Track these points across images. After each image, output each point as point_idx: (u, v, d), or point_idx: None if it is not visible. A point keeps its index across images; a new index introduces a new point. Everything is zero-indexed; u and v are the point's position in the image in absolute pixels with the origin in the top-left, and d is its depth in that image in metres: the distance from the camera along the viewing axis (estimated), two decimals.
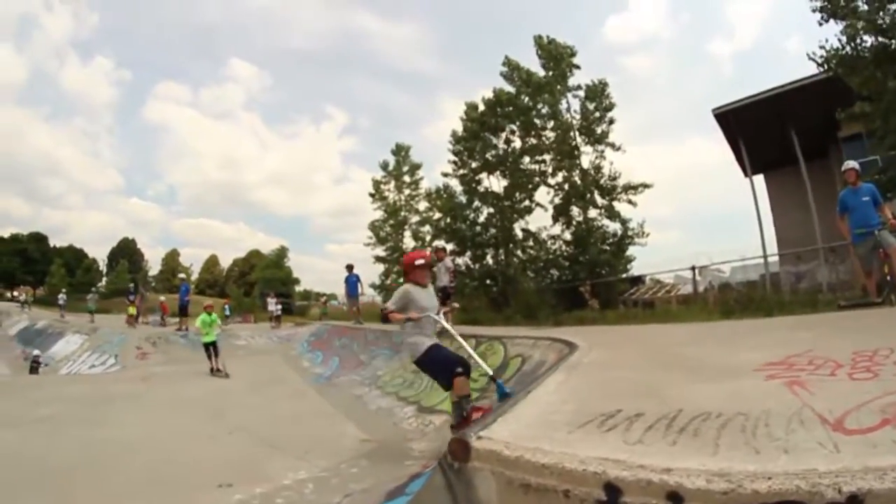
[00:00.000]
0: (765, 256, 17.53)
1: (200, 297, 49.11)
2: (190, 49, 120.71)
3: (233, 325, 26.27)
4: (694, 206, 75.17)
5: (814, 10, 11.96)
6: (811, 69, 14.22)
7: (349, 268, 19.04)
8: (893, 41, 10.90)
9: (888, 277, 8.08)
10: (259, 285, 45.98)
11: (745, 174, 20.34)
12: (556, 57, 20.90)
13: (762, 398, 3.03)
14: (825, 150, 18.90)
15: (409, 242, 31.64)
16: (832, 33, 11.90)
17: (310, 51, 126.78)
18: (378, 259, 31.83)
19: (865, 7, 11.27)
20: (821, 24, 11.96)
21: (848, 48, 11.45)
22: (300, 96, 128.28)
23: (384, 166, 33.44)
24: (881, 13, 11.00)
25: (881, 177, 10.59)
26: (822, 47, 11.80)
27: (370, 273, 31.59)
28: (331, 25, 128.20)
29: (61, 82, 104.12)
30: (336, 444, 6.95)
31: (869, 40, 11.17)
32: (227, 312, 31.31)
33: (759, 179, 21.41)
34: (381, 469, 5.83)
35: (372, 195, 33.17)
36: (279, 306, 27.19)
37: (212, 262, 79.84)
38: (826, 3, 11.75)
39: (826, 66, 11.99)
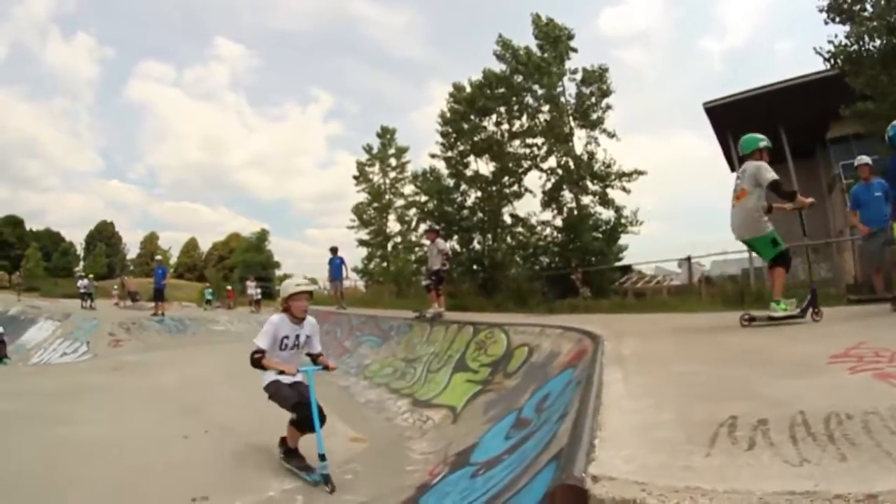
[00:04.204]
0: (750, 252, 17.45)
1: (179, 280, 47.94)
2: (175, 26, 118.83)
3: (215, 311, 25.72)
4: (678, 199, 76.61)
5: (820, 10, 12.26)
6: (801, 71, 15.64)
7: (333, 250, 18.67)
8: None
9: None
10: (238, 269, 45.01)
11: (733, 169, 20.48)
12: (554, 38, 20.69)
13: (871, 393, 2.69)
14: (812, 150, 19.78)
15: (393, 226, 31.52)
16: (831, 33, 12.74)
17: (299, 32, 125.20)
18: (361, 242, 31.71)
19: (871, 8, 11.53)
20: (826, 24, 12.27)
21: (855, 47, 11.67)
22: (287, 78, 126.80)
23: (368, 149, 33.24)
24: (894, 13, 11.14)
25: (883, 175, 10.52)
26: (830, 42, 12.01)
27: (353, 257, 31.70)
28: (322, 7, 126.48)
29: (43, 60, 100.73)
30: (325, 445, 6.41)
31: (877, 41, 11.39)
32: (209, 297, 30.41)
33: None
34: (378, 475, 5.43)
35: (356, 178, 33.19)
36: (259, 290, 26.46)
37: (191, 245, 78.68)
38: (833, 3, 12.03)
39: (833, 62, 12.16)
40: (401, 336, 11.55)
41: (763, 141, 6.56)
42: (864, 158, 8.69)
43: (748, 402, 2.70)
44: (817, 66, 13.16)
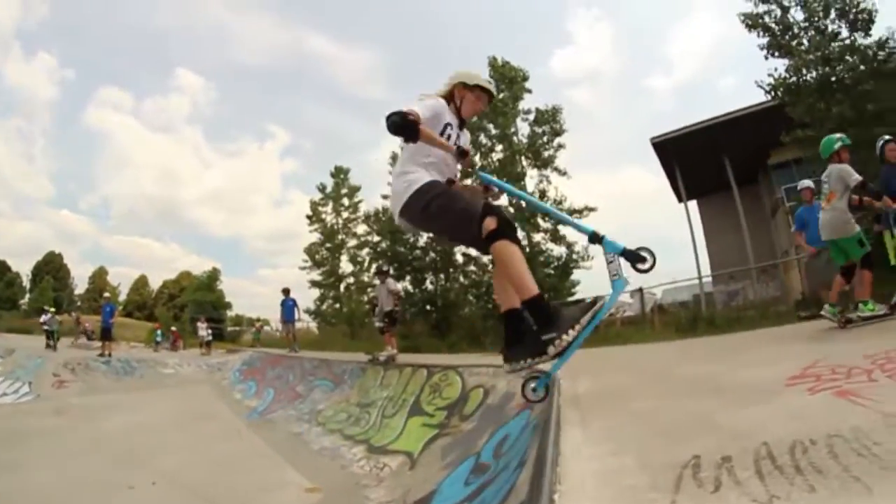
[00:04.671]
0: (699, 277, 18.79)
1: (128, 319, 46.13)
2: (138, 54, 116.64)
3: (163, 352, 24.68)
4: (628, 231, 78.68)
5: (761, 48, 13.47)
6: (743, 103, 17.55)
7: (286, 291, 18.34)
8: (837, 72, 12.25)
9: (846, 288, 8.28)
10: (189, 309, 43.59)
11: (680, 200, 21.45)
12: (510, 79, 21.36)
13: (832, 414, 2.66)
14: (755, 177, 20.63)
15: (346, 266, 31.20)
16: (771, 67, 13.37)
17: (260, 67, 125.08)
18: (314, 283, 31.09)
19: (807, 43, 12.72)
20: (767, 59, 13.47)
21: (794, 78, 12.77)
22: (245, 113, 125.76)
23: (322, 188, 32.89)
24: (831, 44, 12.40)
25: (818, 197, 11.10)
26: (770, 75, 13.15)
27: (305, 298, 31.21)
28: (283, 44, 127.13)
29: (2, 76, 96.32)
30: (278, 497, 6.11)
31: (814, 72, 12.48)
32: (159, 338, 29.31)
33: (693, 205, 22.85)
34: None
35: (309, 217, 32.79)
36: (210, 331, 25.64)
37: (141, 282, 75.95)
38: (772, 40, 13.29)
39: (773, 94, 13.20)
40: (354, 380, 11.16)
41: (839, 142, 6.58)
42: (807, 182, 9.30)
43: (710, 436, 2.62)
44: (758, 98, 14.24)
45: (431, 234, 3.99)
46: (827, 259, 8.32)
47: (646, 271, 3.30)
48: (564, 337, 3.09)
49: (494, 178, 3.91)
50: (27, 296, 62.61)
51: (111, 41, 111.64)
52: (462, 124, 3.91)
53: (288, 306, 18.18)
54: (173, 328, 30.87)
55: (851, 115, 11.64)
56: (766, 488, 1.88)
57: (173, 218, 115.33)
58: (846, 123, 11.28)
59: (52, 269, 68.60)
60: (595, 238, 3.39)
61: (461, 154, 3.53)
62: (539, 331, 3.17)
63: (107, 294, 29.91)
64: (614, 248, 3.31)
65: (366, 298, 27.24)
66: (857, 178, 6.16)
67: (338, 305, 30.64)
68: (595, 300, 3.31)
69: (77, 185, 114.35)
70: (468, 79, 3.83)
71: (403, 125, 3.31)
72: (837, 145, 6.58)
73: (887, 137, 6.97)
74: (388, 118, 3.33)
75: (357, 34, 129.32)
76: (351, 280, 31.33)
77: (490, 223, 3.18)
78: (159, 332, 31.05)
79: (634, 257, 3.28)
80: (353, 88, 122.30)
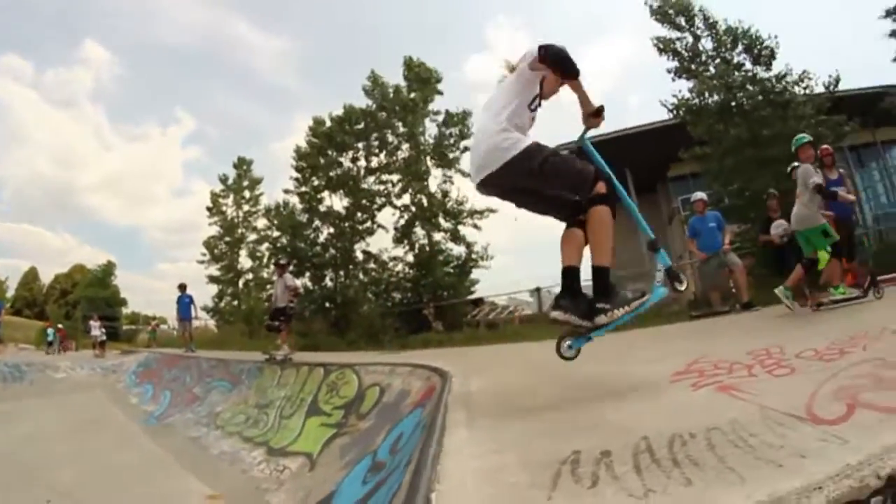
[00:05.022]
0: None
1: (16, 318, 42.34)
2: (44, 20, 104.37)
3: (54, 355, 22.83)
4: (530, 234, 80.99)
5: (669, 70, 14.65)
6: (648, 119, 18.87)
7: (182, 287, 17.62)
8: (737, 98, 13.41)
9: (733, 290, 9.53)
10: (81, 305, 40.49)
11: None
12: (423, 79, 21.55)
13: (713, 408, 2.79)
14: (654, 188, 21.76)
15: (245, 262, 30.17)
16: (675, 88, 14.55)
17: (173, 46, 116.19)
18: (212, 279, 29.81)
19: (714, 70, 13.88)
20: (673, 80, 14.64)
21: (696, 100, 13.88)
22: (152, 94, 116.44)
23: (224, 179, 31.63)
24: (735, 73, 13.58)
25: (715, 207, 11.87)
26: (675, 96, 14.30)
27: (204, 294, 29.74)
28: (201, 23, 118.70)
29: None
30: None
31: (716, 96, 13.63)
32: (50, 338, 26.85)
33: None
34: None
35: (209, 209, 31.41)
36: (103, 330, 23.93)
37: (31, 276, 69.32)
38: (681, 65, 14.43)
39: (676, 112, 14.27)
40: (252, 380, 10.91)
41: (800, 141, 7.33)
42: (700, 194, 10.15)
43: (592, 432, 2.62)
44: (662, 115, 15.27)
45: (518, 197, 3.67)
46: (716, 265, 9.23)
47: (680, 292, 3.73)
48: (616, 312, 3.28)
49: (594, 151, 3.99)
50: None
51: (15, 3, 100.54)
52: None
53: (184, 303, 17.48)
54: (60, 325, 28.47)
55: (747, 137, 12.80)
56: (642, 482, 1.88)
57: (67, 204, 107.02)
58: (742, 144, 12.31)
59: None
60: (653, 246, 3.78)
61: (599, 112, 3.75)
62: (595, 298, 3.33)
63: None
64: (664, 261, 3.69)
65: (265, 295, 26.59)
66: (814, 180, 6.78)
67: (236, 302, 29.67)
68: (643, 293, 3.46)
69: None
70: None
71: (570, 57, 3.37)
72: (794, 146, 7.32)
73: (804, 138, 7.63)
74: (552, 46, 3.32)
75: (277, 20, 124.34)
76: (250, 276, 30.40)
77: (601, 187, 3.37)
78: (50, 331, 28.53)
79: (675, 277, 3.64)
80: (264, 76, 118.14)
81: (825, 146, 8.95)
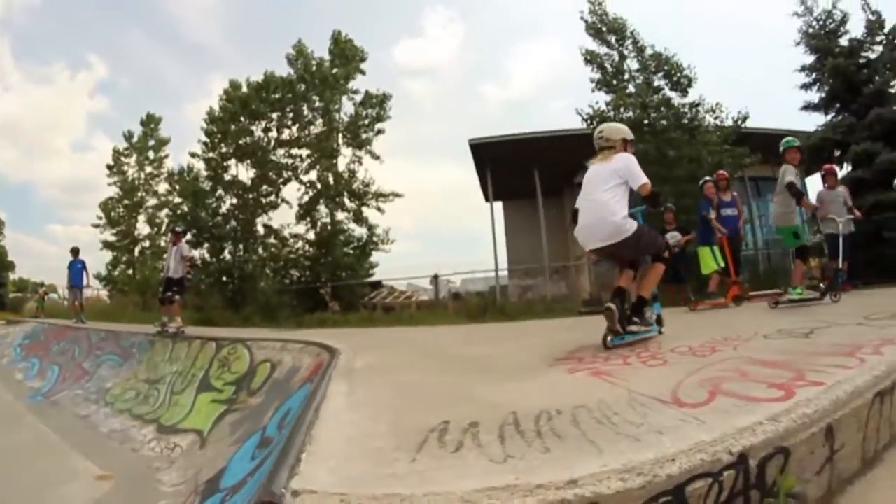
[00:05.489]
0: (496, 270, 20.02)
1: None
2: None
3: None
4: (435, 222, 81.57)
5: (592, 80, 15.28)
6: (561, 126, 19.22)
7: (74, 252, 16.43)
8: (651, 117, 14.23)
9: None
10: None
11: (487, 199, 22.42)
12: (348, 56, 21.15)
13: (584, 390, 2.96)
14: (560, 191, 22.17)
15: (143, 228, 28.41)
16: (593, 99, 15.16)
17: None
18: (106, 245, 27.88)
19: (633, 89, 14.68)
20: (593, 91, 15.30)
21: (612, 114, 14.31)
22: (66, 32, 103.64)
23: (128, 136, 29.46)
24: (653, 95, 14.45)
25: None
26: (591, 106, 14.78)
27: (97, 261, 27.53)
28: None
29: None
30: (67, 489, 5.60)
31: (630, 112, 14.21)
32: None
33: (499, 206, 24.03)
34: None
35: (110, 167, 29.05)
36: None
37: None
38: (603, 79, 15.12)
39: (589, 122, 14.54)
40: (143, 354, 10.47)
41: (788, 143, 7.78)
42: None
43: (465, 406, 2.72)
44: (576, 123, 15.29)
45: (612, 257, 5.18)
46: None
47: (662, 333, 5.01)
48: (641, 328, 4.74)
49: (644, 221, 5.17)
50: None
51: None
52: None
53: (76, 269, 16.14)
54: None
55: (655, 154, 13.51)
56: (503, 449, 1.98)
57: None
58: (648, 160, 13.13)
59: None
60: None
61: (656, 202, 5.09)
62: (632, 314, 4.72)
63: None
64: (658, 309, 5.18)
65: (161, 266, 25.31)
66: (787, 179, 7.31)
67: (131, 271, 27.94)
68: (656, 327, 5.03)
69: None
70: (629, 135, 5.22)
71: (659, 199, 5.16)
72: (783, 147, 7.76)
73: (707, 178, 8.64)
74: (658, 197, 4.96)
75: None
76: (147, 244, 28.63)
77: (664, 253, 4.98)
78: None
79: (661, 322, 5.12)
80: (188, 30, 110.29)
81: (721, 171, 9.88)
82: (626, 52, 15.11)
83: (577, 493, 1.61)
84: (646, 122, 14.04)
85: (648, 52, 14.95)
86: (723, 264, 8.88)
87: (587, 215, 4.84)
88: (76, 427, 8.24)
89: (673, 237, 9.67)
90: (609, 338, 4.41)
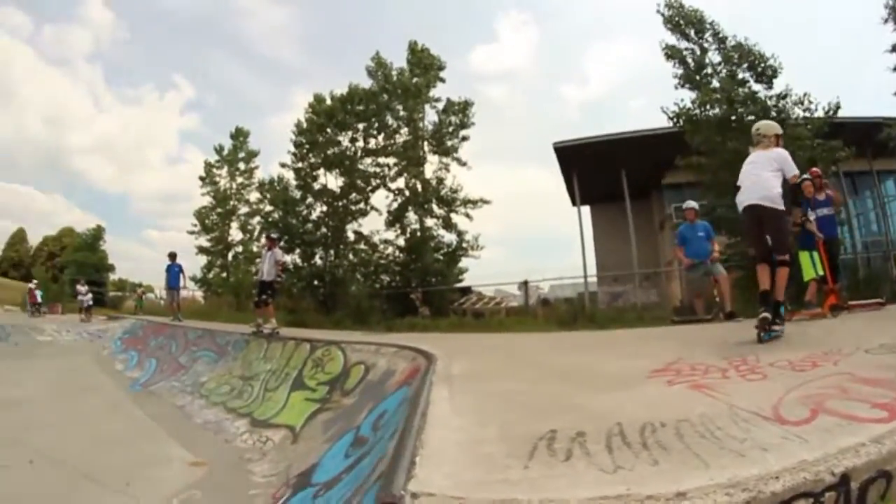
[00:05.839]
0: (585, 277, 19.66)
1: (2, 279, 41.91)
2: None
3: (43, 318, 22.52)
4: (521, 227, 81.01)
5: (675, 77, 14.45)
6: (647, 125, 18.31)
7: (172, 256, 17.55)
8: (738, 112, 13.30)
9: (717, 299, 9.44)
10: (70, 269, 40.12)
11: (574, 203, 21.99)
12: (426, 65, 21.38)
13: (684, 403, 2.93)
14: (648, 193, 21.69)
15: (235, 234, 29.88)
16: (678, 97, 14.20)
17: (175, 10, 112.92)
18: (201, 250, 29.54)
19: (718, 84, 13.83)
20: (676, 88, 14.42)
21: (697, 111, 13.76)
22: (152, 58, 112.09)
23: (219, 150, 31.14)
24: (739, 89, 13.49)
25: (707, 218, 12.02)
26: (676, 104, 14.01)
27: (192, 265, 29.20)
28: None
29: None
30: (163, 471, 5.86)
31: (717, 109, 13.56)
32: (40, 299, 26.20)
33: (586, 210, 23.50)
34: (220, 502, 5.07)
35: (202, 179, 30.80)
36: (90, 296, 23.73)
37: (18, 237, 67.72)
38: (686, 73, 14.32)
39: (676, 121, 14.04)
40: (237, 352, 10.93)
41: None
42: (691, 203, 10.21)
43: (569, 415, 2.76)
44: (661, 122, 14.72)
45: (759, 225, 5.76)
46: (702, 273, 9.53)
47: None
48: (779, 328, 5.35)
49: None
50: None
51: None
52: None
53: (174, 272, 17.38)
54: (31, 285, 27.47)
55: (745, 153, 12.51)
56: (612, 460, 2.03)
57: (58, 166, 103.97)
58: (739, 158, 12.32)
59: None
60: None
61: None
62: (773, 317, 5.26)
63: None
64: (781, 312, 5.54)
65: (254, 269, 26.50)
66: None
67: (225, 274, 29.36)
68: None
69: None
70: (779, 130, 6.22)
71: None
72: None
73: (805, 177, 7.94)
74: (799, 187, 5.95)
75: None
76: (240, 249, 30.00)
77: (787, 255, 5.63)
78: (39, 293, 28.08)
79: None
80: (265, 49, 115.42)
81: (815, 168, 9.18)
82: (706, 45, 14.36)
83: None
84: (733, 118, 13.34)
85: (730, 42, 14.12)
86: (821, 272, 8.27)
87: (749, 183, 5.80)
88: (172, 416, 8.61)
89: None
90: (762, 334, 5.17)
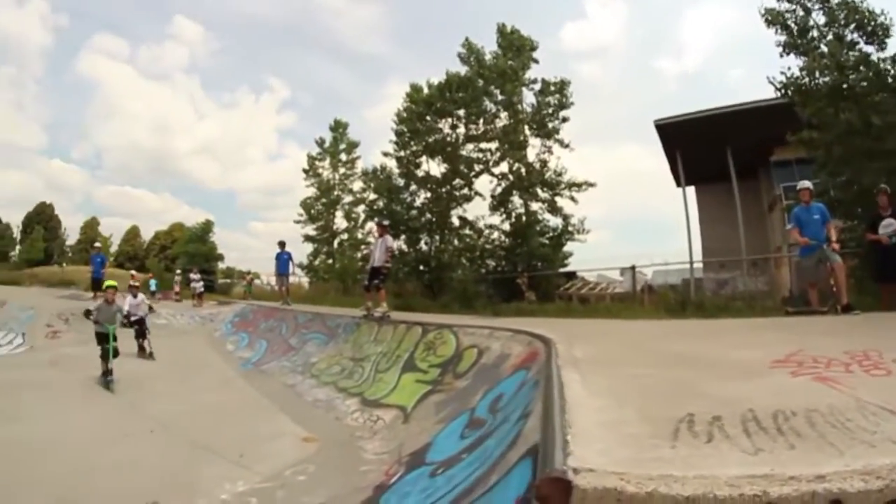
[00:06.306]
0: (691, 262, 18.69)
1: (119, 270, 45.97)
2: (132, 2, 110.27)
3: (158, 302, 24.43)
4: (624, 210, 78.82)
5: (778, 44, 13.07)
6: (751, 97, 17.13)
7: (281, 244, 18.43)
8: (849, 80, 11.93)
9: (833, 289, 8.62)
10: (181, 260, 43.40)
11: (678, 184, 21.38)
12: (518, 47, 21.22)
13: (809, 394, 2.97)
14: (755, 172, 20.48)
15: (340, 222, 31.11)
16: (784, 65, 12.92)
17: (262, 16, 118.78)
18: (307, 238, 31.02)
19: (825, 47, 12.43)
20: (781, 56, 13.06)
21: (806, 80, 12.49)
22: (243, 64, 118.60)
23: (320, 143, 32.57)
24: (848, 52, 12.13)
25: (819, 199, 11.26)
26: (783, 73, 12.74)
27: (299, 252, 30.60)
28: None
29: None
30: (275, 445, 6.28)
31: (826, 77, 12.24)
32: (153, 288, 28.79)
33: (691, 191, 22.63)
34: (333, 477, 5.28)
35: (306, 171, 32.46)
36: (202, 283, 25.59)
37: (132, 233, 74.17)
38: (790, 39, 12.90)
39: (784, 92, 12.84)
40: (348, 334, 11.33)
41: None
42: (806, 183, 9.42)
43: (701, 401, 2.88)
44: (766, 93, 13.91)
45: None
46: (816, 260, 8.77)
47: None
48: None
49: None
50: (17, 247, 60.83)
51: None
52: None
53: (283, 259, 18.21)
54: (133, 272, 29.44)
55: (858, 124, 11.58)
56: (752, 443, 2.18)
57: (166, 169, 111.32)
58: (852, 131, 11.40)
59: (43, 219, 65.66)
60: None
61: None
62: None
63: (97, 244, 28.81)
64: None
65: (359, 255, 27.38)
66: None
67: (331, 261, 30.53)
68: None
69: (69, 135, 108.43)
70: None
71: None
72: None
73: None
74: None
75: None
76: (345, 236, 31.18)
77: None
78: (153, 281, 30.57)
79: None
80: (353, 44, 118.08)
81: None
82: (809, 4, 12.91)
83: (825, 487, 1.75)
84: (844, 86, 12.03)
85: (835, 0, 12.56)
86: None
87: None
88: (283, 393, 9.03)
89: (889, 225, 8.56)
90: None
